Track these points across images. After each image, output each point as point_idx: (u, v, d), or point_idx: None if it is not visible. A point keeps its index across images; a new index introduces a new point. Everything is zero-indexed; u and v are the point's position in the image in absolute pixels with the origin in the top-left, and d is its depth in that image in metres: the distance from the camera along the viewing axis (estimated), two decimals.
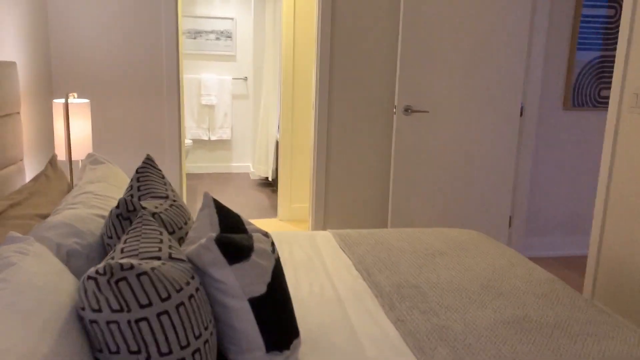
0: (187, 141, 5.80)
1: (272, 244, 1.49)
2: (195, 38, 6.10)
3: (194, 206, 4.99)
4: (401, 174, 3.42)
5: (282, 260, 2.11)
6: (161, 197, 1.64)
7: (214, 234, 1.24)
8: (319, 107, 3.48)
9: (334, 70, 3.45)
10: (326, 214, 3.62)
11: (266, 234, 1.50)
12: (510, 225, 3.72)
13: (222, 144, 6.45)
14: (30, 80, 2.64)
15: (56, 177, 2.03)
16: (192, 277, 1.22)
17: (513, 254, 2.28)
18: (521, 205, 3.72)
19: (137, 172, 1.72)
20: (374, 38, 3.47)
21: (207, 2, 6.06)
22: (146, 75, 3.15)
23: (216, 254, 1.25)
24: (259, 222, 4.55)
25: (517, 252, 2.33)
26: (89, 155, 2.14)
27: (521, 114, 3.60)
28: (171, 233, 1.53)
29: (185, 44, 6.09)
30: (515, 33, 3.40)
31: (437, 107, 3.40)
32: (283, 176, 4.56)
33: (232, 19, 6.12)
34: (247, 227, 1.56)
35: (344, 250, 2.24)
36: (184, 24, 6.04)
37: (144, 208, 1.45)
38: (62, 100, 2.47)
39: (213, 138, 6.31)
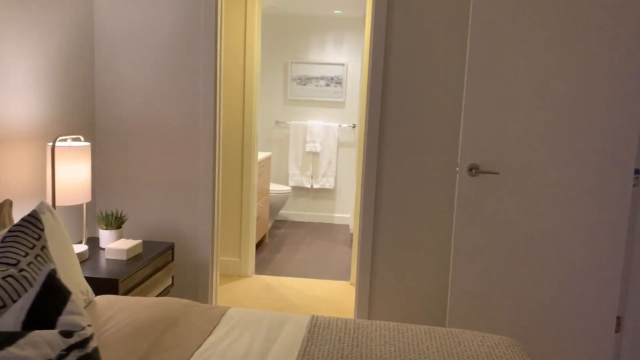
0: (286, 188, 5.62)
1: (72, 348, 1.10)
2: (305, 84, 5.98)
3: (276, 257, 4.73)
4: (464, 252, 2.76)
5: (214, 351, 1.69)
6: (8, 264, 1.35)
7: None
8: (366, 161, 3.00)
9: (385, 118, 2.95)
10: (372, 299, 3.07)
11: (74, 331, 1.12)
12: (618, 330, 2.79)
13: (325, 193, 6.16)
14: (63, 122, 2.63)
15: None
16: None
17: None
18: (636, 303, 2.77)
19: (9, 230, 1.46)
20: (433, 76, 2.92)
21: (320, 48, 5.93)
22: (183, 124, 2.99)
23: None
24: (328, 284, 4.12)
25: None
26: (40, 204, 1.98)
27: (636, 182, 2.71)
28: None
29: (294, 90, 6.00)
30: (627, 70, 2.59)
31: (511, 167, 2.70)
32: (357, 234, 4.09)
33: (343, 64, 5.90)
34: (65, 317, 1.19)
35: (300, 348, 1.74)
36: (295, 71, 5.96)
37: None
38: (62, 144, 2.38)
39: (316, 186, 6.06)
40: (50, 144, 2.34)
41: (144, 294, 2.50)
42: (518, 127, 2.68)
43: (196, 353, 1.67)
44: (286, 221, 6.17)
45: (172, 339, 1.75)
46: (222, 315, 1.96)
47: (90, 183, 2.49)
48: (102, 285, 2.25)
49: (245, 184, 4.11)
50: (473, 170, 2.72)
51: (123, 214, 2.79)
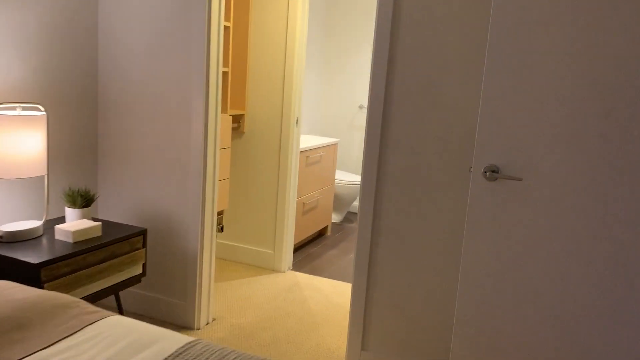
0: (358, 178, 5.15)
1: None
2: None
3: (327, 252, 4.33)
4: (474, 276, 2.13)
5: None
6: None
7: None
8: (366, 154, 2.47)
9: (390, 103, 2.39)
10: (367, 329, 2.55)
11: None
12: None
13: None
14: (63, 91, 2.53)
15: None
16: None
17: None
18: None
19: None
20: (448, 55, 2.28)
21: None
22: (177, 102, 2.73)
23: None
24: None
25: None
26: None
27: None
28: None
29: None
30: None
31: (539, 173, 2.00)
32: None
33: None
34: None
35: None
36: None
37: None
38: (7, 112, 2.24)
39: None
40: (3, 112, 2.21)
41: (90, 281, 2.28)
42: (551, 124, 1.97)
43: None
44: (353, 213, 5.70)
45: (2, 344, 1.47)
46: (92, 323, 1.64)
47: (46, 156, 2.32)
48: (21, 269, 2.06)
49: (282, 172, 3.76)
50: (488, 174, 2.07)
51: (92, 193, 2.61)
